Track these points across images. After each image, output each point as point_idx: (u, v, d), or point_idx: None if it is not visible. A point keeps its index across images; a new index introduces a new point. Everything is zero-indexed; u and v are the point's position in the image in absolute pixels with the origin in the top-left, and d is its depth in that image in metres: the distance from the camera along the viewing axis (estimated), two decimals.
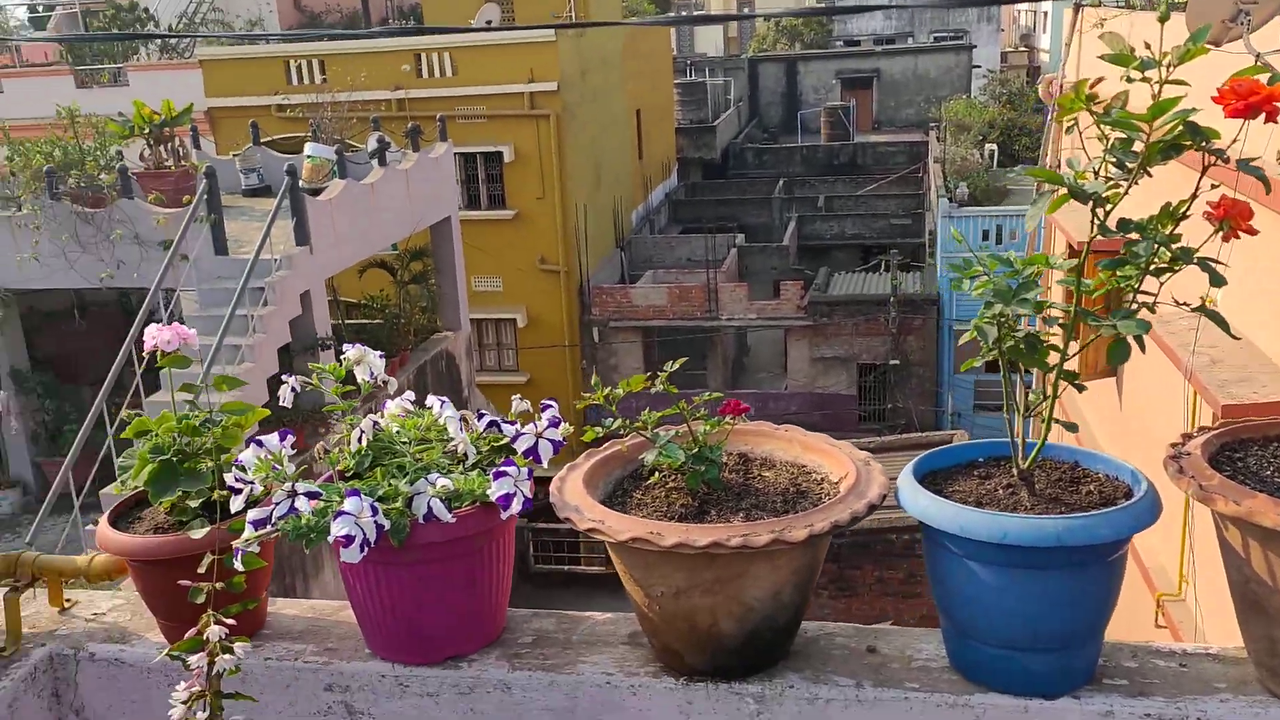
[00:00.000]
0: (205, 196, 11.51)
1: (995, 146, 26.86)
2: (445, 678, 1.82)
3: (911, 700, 1.65)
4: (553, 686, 1.79)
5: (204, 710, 1.62)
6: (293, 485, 1.60)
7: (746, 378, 25.29)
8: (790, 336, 22.71)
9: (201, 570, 1.65)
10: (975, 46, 37.43)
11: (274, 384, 11.69)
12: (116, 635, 1.99)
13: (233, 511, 1.65)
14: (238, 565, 1.61)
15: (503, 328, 22.41)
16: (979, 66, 36.80)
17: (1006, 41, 45.42)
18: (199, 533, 1.69)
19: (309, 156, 13.99)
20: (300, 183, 11.91)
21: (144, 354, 1.86)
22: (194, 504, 1.78)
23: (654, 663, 1.79)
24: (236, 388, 1.77)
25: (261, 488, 1.62)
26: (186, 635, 1.61)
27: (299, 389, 1.85)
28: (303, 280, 11.97)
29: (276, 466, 1.65)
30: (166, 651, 1.63)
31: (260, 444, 1.66)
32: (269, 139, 16.02)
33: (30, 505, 12.90)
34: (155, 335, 1.86)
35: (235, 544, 1.57)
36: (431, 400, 1.83)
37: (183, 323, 12.17)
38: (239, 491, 1.62)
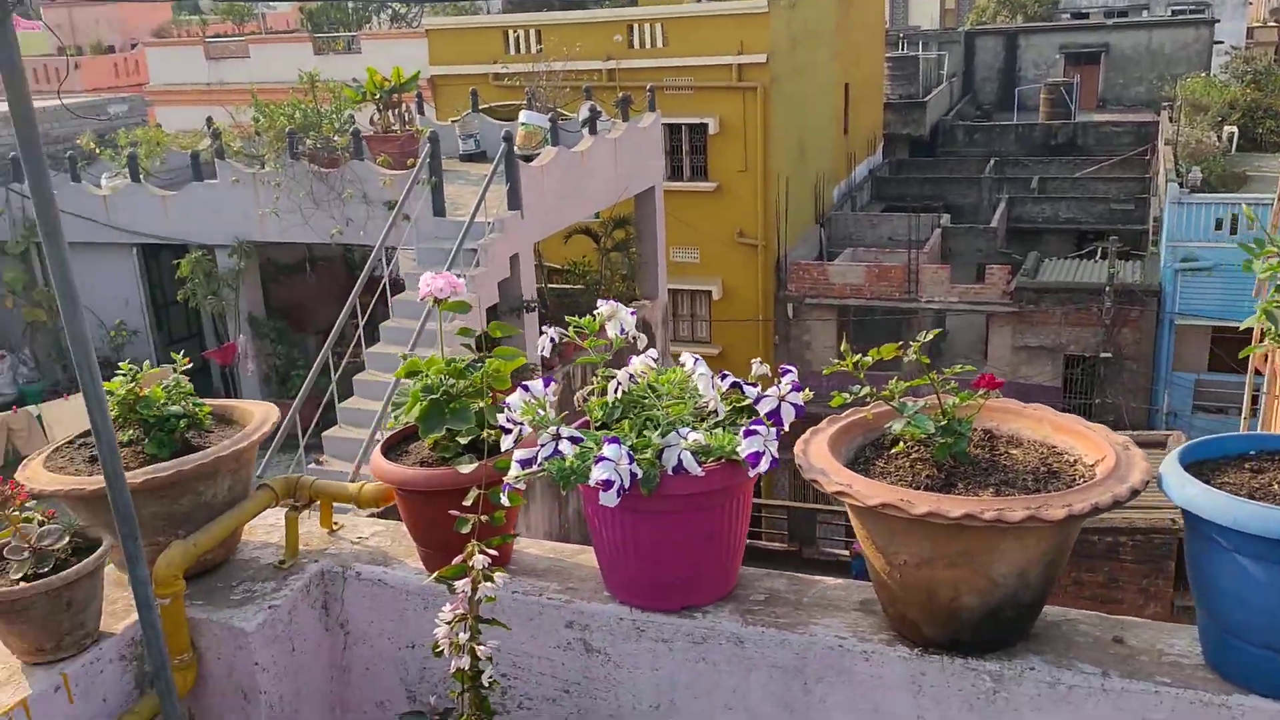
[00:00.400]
0: (428, 160, 12.12)
1: (1235, 129, 24.80)
2: (680, 626, 1.90)
3: (1162, 695, 1.60)
4: (784, 645, 1.83)
5: (465, 632, 1.75)
6: (557, 429, 1.70)
7: (943, 363, 24.31)
8: (993, 322, 21.82)
9: (467, 503, 1.78)
10: (1218, 21, 34.59)
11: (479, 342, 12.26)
12: (379, 558, 2.17)
13: (503, 450, 1.76)
14: (504, 500, 1.72)
15: (698, 299, 22.55)
16: (1221, 42, 34.00)
17: (1254, 16, 41.74)
18: (467, 468, 1.82)
19: (523, 124, 14.47)
20: (514, 149, 12.35)
21: (427, 299, 2.00)
22: (462, 441, 1.91)
23: (887, 630, 1.80)
24: (510, 335, 1.88)
25: (530, 429, 1.72)
26: (454, 562, 1.74)
27: (557, 339, 1.95)
28: (513, 243, 12.42)
29: (540, 412, 1.75)
30: (436, 575, 1.76)
31: (526, 389, 1.77)
32: (486, 106, 16.65)
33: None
34: (430, 283, 2.00)
35: (506, 479, 1.68)
36: (685, 358, 1.89)
37: (401, 280, 12.80)
38: (509, 431, 1.73)
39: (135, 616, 1.98)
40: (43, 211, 1.50)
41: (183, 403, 2.10)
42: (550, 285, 15.79)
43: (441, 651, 1.74)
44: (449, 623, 1.74)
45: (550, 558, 2.14)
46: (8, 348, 13.91)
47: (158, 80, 25.41)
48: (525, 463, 1.70)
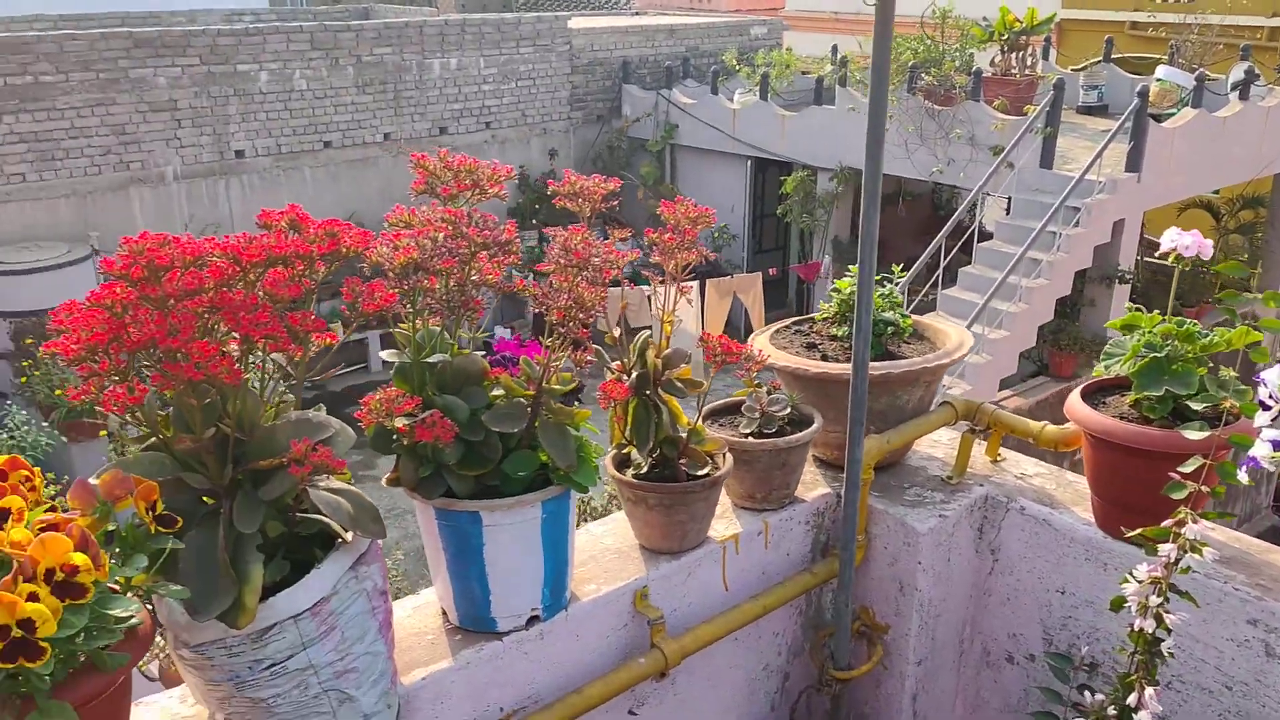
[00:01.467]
0: (1047, 109, 11.57)
1: None
2: None
3: None
4: None
5: (1155, 595, 1.72)
6: None
7: None
8: None
9: (1187, 470, 1.72)
10: None
11: (1060, 306, 11.65)
12: (1043, 499, 2.19)
13: (1256, 425, 1.67)
14: (1241, 477, 1.64)
15: None
16: None
17: None
18: (1195, 435, 1.75)
19: (1159, 79, 13.20)
20: (1146, 106, 11.33)
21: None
22: (1196, 406, 1.84)
23: None
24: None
25: None
26: (1162, 525, 1.70)
27: None
28: (1120, 207, 11.55)
29: None
30: (1137, 533, 1.73)
31: None
32: (1119, 56, 15.41)
33: None
34: (1176, 239, 1.93)
35: (1255, 454, 1.59)
36: None
37: (988, 228, 12.50)
38: (1269, 408, 1.64)
39: (819, 491, 2.21)
40: (874, 122, 1.68)
41: (892, 312, 2.27)
42: (1148, 259, 14.46)
43: (1126, 607, 1.73)
44: (1141, 581, 1.72)
45: (1235, 547, 2.01)
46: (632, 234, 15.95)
47: (793, 6, 26.94)
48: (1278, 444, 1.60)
